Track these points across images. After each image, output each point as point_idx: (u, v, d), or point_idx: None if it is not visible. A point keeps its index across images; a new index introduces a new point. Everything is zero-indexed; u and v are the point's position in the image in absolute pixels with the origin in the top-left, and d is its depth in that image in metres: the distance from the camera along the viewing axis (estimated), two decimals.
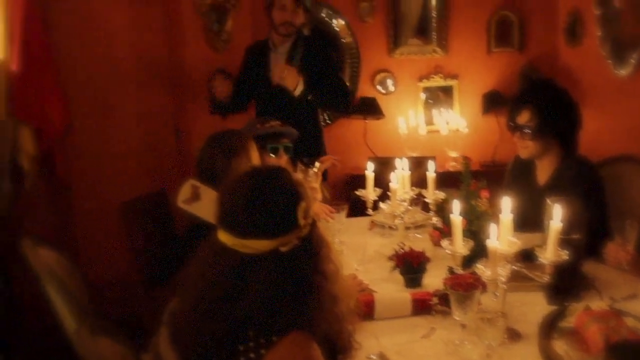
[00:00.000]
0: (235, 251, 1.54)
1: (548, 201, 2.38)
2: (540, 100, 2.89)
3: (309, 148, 3.78)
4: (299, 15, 3.84)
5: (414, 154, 4.76)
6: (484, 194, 2.66)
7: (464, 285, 2.07)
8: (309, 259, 1.59)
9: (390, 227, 3.23)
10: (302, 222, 1.57)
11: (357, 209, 3.31)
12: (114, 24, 4.64)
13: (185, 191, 2.60)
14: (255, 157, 2.76)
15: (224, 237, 1.57)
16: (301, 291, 1.55)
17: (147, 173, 4.75)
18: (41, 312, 2.43)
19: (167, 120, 4.82)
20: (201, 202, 2.56)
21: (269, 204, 1.55)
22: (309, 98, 3.86)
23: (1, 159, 4.08)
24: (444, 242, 2.32)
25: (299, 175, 3.08)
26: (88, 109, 4.62)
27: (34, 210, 4.41)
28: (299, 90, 3.77)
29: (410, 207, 3.11)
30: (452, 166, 4.89)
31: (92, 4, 4.57)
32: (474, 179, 2.71)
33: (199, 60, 4.71)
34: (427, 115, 5.15)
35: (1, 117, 4.06)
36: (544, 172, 3.02)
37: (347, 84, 4.40)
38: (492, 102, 5.03)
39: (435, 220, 3.10)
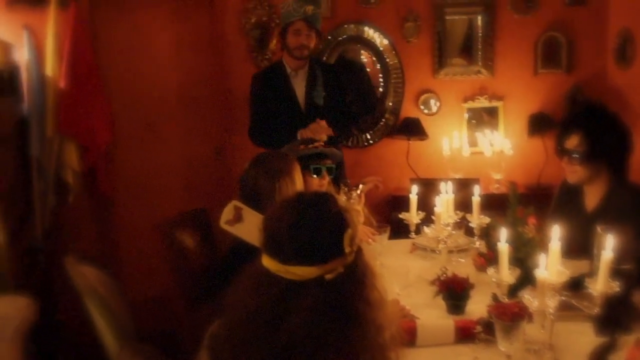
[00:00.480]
0: (279, 277, 1.52)
1: (598, 229, 2.31)
2: (589, 125, 2.83)
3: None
4: (312, 39, 3.93)
5: (457, 176, 4.69)
6: (532, 220, 2.60)
7: (510, 315, 2.02)
8: (354, 287, 1.55)
9: (432, 250, 3.19)
10: (347, 249, 1.53)
11: (398, 230, 3.27)
12: (159, 43, 4.72)
13: (228, 212, 2.59)
14: (299, 180, 2.75)
15: (268, 262, 1.55)
16: (345, 320, 1.51)
17: (187, 190, 4.80)
18: (84, 329, 2.44)
19: (209, 138, 4.85)
20: (244, 224, 2.55)
21: (315, 230, 1.53)
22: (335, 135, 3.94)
23: (47, 174, 4.16)
24: (490, 270, 2.28)
25: (342, 199, 3.09)
26: (132, 127, 4.70)
27: (77, 225, 4.48)
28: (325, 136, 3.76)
29: (453, 231, 3.06)
30: (495, 189, 4.81)
31: (138, 23, 4.66)
32: (521, 205, 2.64)
33: (242, 78, 4.70)
34: (471, 136, 5.08)
35: (49, 134, 4.15)
36: (592, 197, 2.95)
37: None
38: (539, 124, 4.94)
39: (478, 244, 3.06)
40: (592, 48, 5.07)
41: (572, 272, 2.28)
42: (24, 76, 4.17)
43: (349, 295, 1.53)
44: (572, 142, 2.84)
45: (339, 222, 1.55)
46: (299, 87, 4.02)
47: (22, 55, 4.19)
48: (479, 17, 5.03)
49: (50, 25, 4.18)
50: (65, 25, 4.24)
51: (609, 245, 2.08)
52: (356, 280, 1.56)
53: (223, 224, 2.59)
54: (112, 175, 4.63)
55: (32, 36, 4.22)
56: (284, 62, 4.05)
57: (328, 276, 1.50)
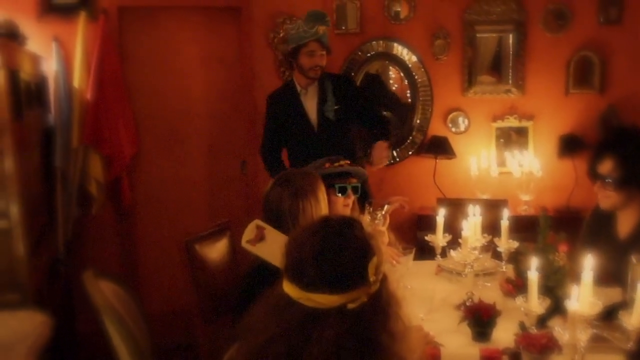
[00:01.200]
0: (300, 304, 1.47)
1: (633, 259, 2.24)
2: (624, 150, 2.76)
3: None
4: (324, 58, 3.96)
5: (485, 196, 4.61)
6: (563, 247, 2.52)
7: (538, 346, 1.97)
8: (378, 317, 1.50)
9: (457, 273, 3.12)
10: (372, 278, 1.48)
11: (424, 251, 3.21)
12: (186, 56, 4.73)
13: (250, 231, 2.53)
14: (323, 199, 2.69)
15: (289, 288, 1.50)
16: (367, 352, 1.46)
17: (211, 205, 4.79)
18: (102, 344, 2.42)
19: (235, 152, 4.83)
20: (265, 244, 2.49)
21: (338, 257, 1.48)
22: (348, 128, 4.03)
23: (70, 184, 4.16)
24: (519, 299, 2.21)
25: (367, 219, 3.03)
26: (157, 139, 4.70)
27: (100, 237, 4.48)
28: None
29: (480, 255, 2.98)
30: (524, 210, 4.72)
31: (166, 36, 4.68)
32: (551, 231, 2.57)
33: (270, 92, 4.69)
34: (499, 156, 4.99)
35: (74, 144, 4.16)
36: (625, 224, 2.87)
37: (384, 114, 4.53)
38: (569, 145, 4.84)
39: (505, 268, 2.98)
40: (627, 68, 4.96)
41: (604, 301, 2.20)
42: (51, 87, 4.20)
43: (372, 326, 1.48)
44: (606, 166, 2.77)
45: (364, 249, 1.51)
46: (310, 104, 4.02)
47: (50, 67, 4.22)
48: (510, 35, 4.95)
49: (79, 37, 4.21)
50: (93, 37, 4.27)
51: None
52: (380, 311, 1.51)
53: (244, 243, 2.54)
54: (136, 187, 4.63)
55: (61, 48, 4.26)
56: (295, 81, 4.07)
57: (351, 305, 1.46)
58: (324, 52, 3.93)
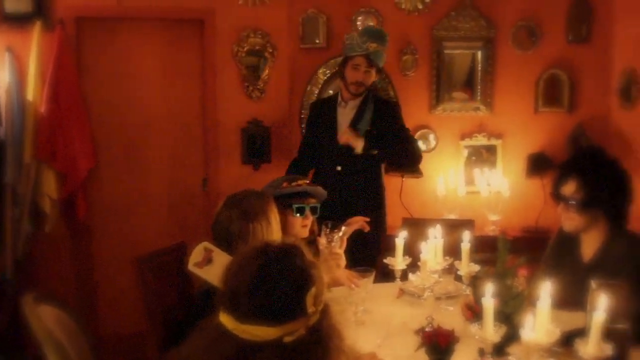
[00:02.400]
0: (235, 336, 1.39)
1: (592, 284, 2.16)
2: (587, 171, 2.71)
3: (368, 202, 3.97)
4: (371, 76, 3.93)
5: (452, 216, 4.53)
6: (522, 272, 2.42)
7: None
8: (317, 351, 1.43)
9: (419, 296, 3.03)
10: (311, 309, 1.42)
11: (387, 273, 3.11)
12: (148, 69, 4.63)
13: (197, 253, 2.45)
14: (275, 222, 2.61)
15: (224, 318, 1.42)
16: None
17: (172, 222, 4.68)
18: None
19: (197, 169, 4.71)
20: (213, 267, 2.40)
21: (275, 287, 1.41)
22: (374, 153, 3.94)
23: (22, 201, 4.03)
24: (474, 327, 2.12)
25: (323, 241, 2.93)
26: (116, 154, 4.60)
27: (53, 256, 4.34)
28: (360, 147, 3.86)
29: (441, 279, 2.89)
30: (491, 230, 4.64)
31: (126, 48, 4.58)
32: (511, 255, 2.47)
33: (232, 107, 4.61)
34: (468, 175, 4.92)
35: (26, 160, 4.03)
36: (589, 247, 2.81)
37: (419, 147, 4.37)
38: (538, 164, 4.80)
39: (468, 292, 2.89)
40: (596, 87, 4.95)
41: (566, 326, 2.17)
42: (2, 100, 4.05)
43: None
44: (569, 188, 2.72)
45: (302, 279, 1.44)
46: (345, 118, 3.99)
47: (3, 78, 4.08)
48: (479, 52, 4.91)
49: (34, 48, 4.08)
50: (49, 48, 4.14)
51: (601, 305, 1.92)
52: (320, 344, 1.44)
53: (191, 266, 2.45)
54: (93, 203, 4.49)
55: (15, 59, 4.14)
56: (340, 92, 4.08)
57: (287, 338, 1.39)
58: (371, 70, 3.90)
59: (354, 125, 3.94)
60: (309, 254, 1.53)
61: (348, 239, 3.22)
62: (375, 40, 3.84)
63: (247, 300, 1.40)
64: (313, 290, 1.42)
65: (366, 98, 4.00)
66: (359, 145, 3.85)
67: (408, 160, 4.16)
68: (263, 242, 1.57)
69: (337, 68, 4.13)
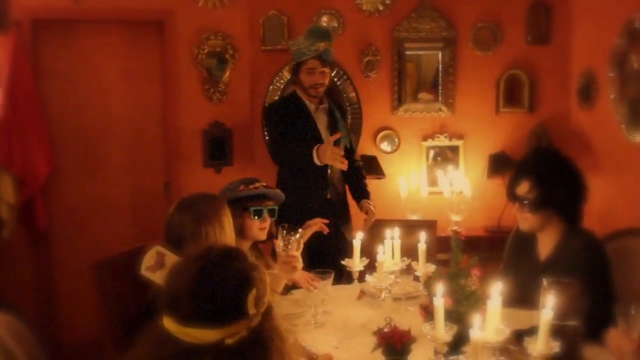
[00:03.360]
0: (177, 340, 1.40)
1: (544, 282, 2.18)
2: (540, 171, 2.73)
3: (344, 197, 4.05)
4: (327, 75, 3.87)
5: (415, 217, 4.53)
6: (475, 272, 2.44)
7: None
8: (258, 353, 1.44)
9: (378, 297, 3.02)
10: (252, 311, 1.42)
11: (349, 275, 3.12)
12: (107, 72, 4.58)
13: (149, 258, 2.43)
14: (228, 225, 2.60)
15: (167, 322, 1.43)
16: None
17: (133, 227, 4.62)
18: None
19: (158, 172, 4.67)
20: (166, 271, 2.36)
21: (215, 289, 1.41)
22: (356, 161, 4.03)
23: None
24: (426, 326, 2.11)
25: (279, 244, 2.92)
26: (75, 159, 4.54)
27: (11, 262, 4.26)
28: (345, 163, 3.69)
29: (399, 280, 2.90)
30: (454, 231, 4.64)
31: (84, 50, 4.52)
32: (465, 255, 2.49)
33: (193, 110, 4.58)
34: (431, 176, 4.94)
35: None
36: (545, 246, 2.83)
37: None
38: (499, 164, 4.83)
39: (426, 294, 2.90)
40: (555, 87, 4.99)
41: (522, 325, 2.18)
42: None
43: None
44: (523, 188, 2.74)
45: (243, 281, 1.44)
46: (322, 125, 3.91)
47: None
48: (440, 53, 4.94)
49: None
50: (4, 52, 4.07)
51: (549, 302, 1.94)
52: (261, 346, 1.45)
53: (144, 270, 2.43)
54: (52, 209, 4.42)
55: None
56: (302, 98, 3.90)
57: (229, 340, 1.39)
58: (326, 69, 3.83)
59: (334, 129, 3.87)
60: (251, 258, 1.53)
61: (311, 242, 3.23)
62: (323, 39, 3.78)
63: (188, 302, 1.40)
64: (254, 292, 1.43)
65: (329, 100, 3.97)
66: (344, 162, 3.64)
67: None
68: (205, 245, 1.56)
69: (290, 76, 4.07)
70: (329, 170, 3.85)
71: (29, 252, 4.38)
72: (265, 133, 4.61)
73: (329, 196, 3.89)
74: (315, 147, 3.61)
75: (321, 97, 3.93)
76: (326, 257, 3.31)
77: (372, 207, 3.94)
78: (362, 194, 4.06)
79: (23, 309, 3.11)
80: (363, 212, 3.96)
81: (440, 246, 3.81)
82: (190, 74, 4.60)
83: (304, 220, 3.30)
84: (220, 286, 1.41)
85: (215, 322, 1.38)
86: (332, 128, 3.89)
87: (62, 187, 4.48)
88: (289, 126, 3.84)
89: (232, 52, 4.60)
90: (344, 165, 3.62)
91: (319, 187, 3.86)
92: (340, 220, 3.92)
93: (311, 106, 3.90)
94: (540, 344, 1.94)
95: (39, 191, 4.22)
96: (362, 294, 3.18)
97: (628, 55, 4.04)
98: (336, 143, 3.66)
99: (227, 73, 4.62)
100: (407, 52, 4.92)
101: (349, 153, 3.91)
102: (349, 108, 4.87)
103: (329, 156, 3.57)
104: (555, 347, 1.95)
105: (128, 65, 4.58)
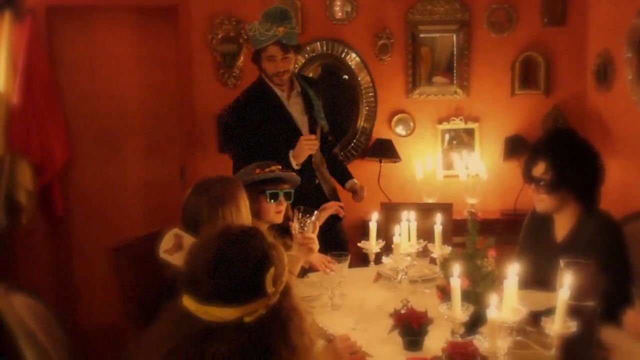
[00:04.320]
0: (197, 318, 1.41)
1: (561, 263, 2.17)
2: (556, 152, 2.71)
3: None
4: (290, 61, 3.56)
5: (430, 200, 4.51)
6: (491, 252, 2.44)
7: (463, 355, 1.89)
8: (277, 331, 1.44)
9: (395, 279, 3.03)
10: (270, 289, 1.43)
11: (365, 258, 3.12)
12: (121, 58, 4.61)
13: (167, 240, 2.45)
14: (244, 207, 2.60)
15: (187, 301, 1.44)
16: None
17: (149, 212, 4.66)
18: None
19: (173, 157, 4.70)
20: (184, 253, 2.38)
21: (234, 268, 1.42)
22: (329, 139, 3.85)
23: None
24: (442, 307, 2.12)
25: (295, 226, 2.93)
26: (92, 145, 4.58)
27: (30, 248, 4.31)
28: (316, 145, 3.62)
29: (415, 262, 2.90)
30: (470, 212, 4.63)
31: (99, 37, 4.55)
32: (481, 236, 2.49)
33: (208, 96, 4.59)
34: (447, 159, 4.93)
35: (0, 152, 3.97)
36: (561, 228, 2.82)
37: None
38: (515, 147, 4.80)
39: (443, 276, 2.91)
40: (572, 69, 4.95)
41: (540, 306, 2.18)
42: None
43: (271, 340, 1.43)
44: (539, 169, 2.73)
45: (261, 260, 1.45)
46: (296, 111, 3.68)
47: None
48: (454, 36, 4.91)
49: (4, 38, 4.01)
50: (20, 39, 4.09)
51: (566, 282, 1.94)
52: (280, 324, 1.45)
53: (162, 252, 2.45)
54: (69, 194, 4.46)
55: None
56: (270, 85, 3.62)
57: (247, 319, 1.40)
58: (288, 55, 3.50)
59: (312, 122, 3.72)
60: (269, 237, 1.54)
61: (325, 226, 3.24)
62: (281, 23, 3.44)
63: (207, 281, 1.41)
64: (272, 270, 1.44)
65: (301, 84, 3.72)
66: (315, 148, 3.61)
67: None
68: (224, 225, 1.58)
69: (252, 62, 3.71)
70: (313, 158, 3.73)
71: (48, 238, 4.43)
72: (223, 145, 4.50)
73: (317, 182, 3.83)
74: (290, 154, 3.49)
75: (291, 81, 3.67)
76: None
77: (357, 184, 3.79)
78: (343, 175, 3.89)
79: (43, 293, 3.15)
80: (351, 192, 3.81)
81: (456, 229, 3.81)
82: (204, 59, 4.61)
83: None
84: (239, 265, 1.43)
85: (234, 300, 1.40)
86: (309, 111, 3.70)
87: (79, 173, 4.52)
88: (260, 125, 3.55)
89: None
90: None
91: (306, 174, 3.61)
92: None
93: (282, 94, 3.64)
94: (557, 323, 1.94)
95: (56, 177, 4.28)
96: (379, 276, 3.19)
97: None
98: (317, 120, 3.68)
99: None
100: (422, 35, 4.89)
101: (324, 133, 3.80)
102: (362, 92, 4.87)
103: (306, 150, 3.50)
104: (572, 327, 1.95)
105: (142, 52, 4.61)
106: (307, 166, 3.68)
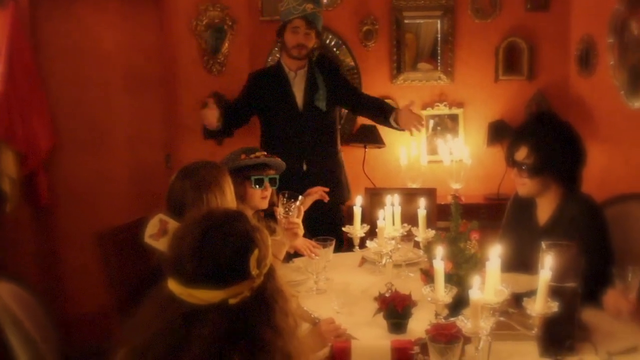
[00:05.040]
0: (182, 301, 1.43)
1: (543, 245, 2.20)
2: (538, 136, 2.73)
3: (334, 173, 4.04)
4: (311, 38, 3.88)
5: (415, 185, 4.54)
6: (474, 235, 2.47)
7: (447, 336, 1.91)
8: (261, 312, 1.46)
9: (379, 263, 3.06)
10: (254, 272, 1.44)
11: (350, 242, 3.15)
12: (105, 45, 4.57)
13: (152, 225, 2.46)
14: (229, 192, 2.62)
15: (172, 284, 1.45)
16: (249, 348, 1.42)
17: (135, 199, 4.64)
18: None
19: (159, 144, 4.69)
20: (169, 238, 2.39)
21: (218, 250, 1.44)
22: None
23: None
24: (426, 289, 2.15)
25: (280, 211, 2.95)
26: (76, 132, 4.55)
27: (15, 236, 4.29)
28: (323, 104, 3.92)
29: (399, 246, 2.93)
30: (453, 195, 4.66)
31: (82, 23, 4.51)
32: (464, 219, 2.52)
33: (193, 83, 4.56)
34: (431, 144, 4.96)
35: None
36: (544, 211, 2.85)
37: None
38: (498, 132, 4.83)
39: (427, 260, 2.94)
40: (554, 55, 4.98)
41: (521, 288, 2.21)
42: None
43: (255, 322, 1.45)
44: (521, 153, 2.75)
45: (245, 242, 1.46)
46: (298, 89, 3.95)
47: None
48: (439, 22, 4.93)
49: None
50: (2, 26, 4.06)
51: (547, 263, 1.97)
52: (264, 306, 1.47)
53: (147, 237, 2.46)
54: (54, 183, 4.44)
55: None
56: (283, 63, 3.99)
57: (232, 301, 1.42)
58: (311, 32, 3.84)
59: (310, 101, 3.93)
60: (253, 220, 1.56)
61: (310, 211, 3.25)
62: (311, 2, 3.81)
63: (192, 264, 1.43)
64: (256, 253, 1.45)
65: (312, 68, 3.99)
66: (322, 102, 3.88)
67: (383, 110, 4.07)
68: (207, 209, 1.59)
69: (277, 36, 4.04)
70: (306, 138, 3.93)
71: (32, 226, 4.40)
72: None
73: (305, 168, 3.92)
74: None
75: (303, 61, 3.94)
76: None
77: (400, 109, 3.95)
78: (386, 110, 4.01)
79: (28, 282, 3.15)
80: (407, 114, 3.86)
81: (440, 214, 3.85)
82: (189, 45, 4.58)
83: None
84: (223, 247, 1.44)
85: (219, 282, 1.41)
86: (310, 93, 3.93)
87: (64, 161, 4.50)
88: (263, 97, 3.94)
89: (230, 23, 4.58)
90: None
91: (294, 158, 3.78)
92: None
93: (290, 73, 3.96)
94: (539, 304, 1.97)
95: (40, 165, 4.24)
96: (363, 260, 3.23)
97: (628, 21, 4.03)
98: (315, 102, 3.91)
99: (226, 44, 4.59)
100: (406, 21, 4.91)
101: (353, 95, 4.10)
102: (349, 78, 4.87)
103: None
104: (554, 307, 1.98)
105: (127, 38, 4.57)
106: (296, 150, 3.86)
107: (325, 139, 4.01)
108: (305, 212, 3.20)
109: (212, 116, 3.79)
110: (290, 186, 3.33)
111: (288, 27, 3.84)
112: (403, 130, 3.97)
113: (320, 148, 3.98)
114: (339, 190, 3.99)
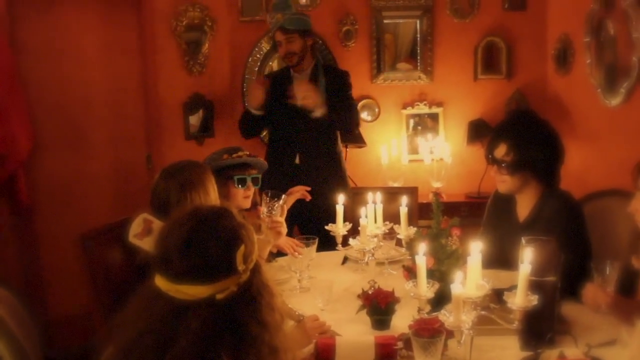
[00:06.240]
0: (169, 297, 1.45)
1: (523, 240, 2.24)
2: (517, 134, 2.78)
3: (328, 170, 4.08)
4: (293, 43, 3.95)
5: (396, 184, 4.59)
6: (455, 232, 2.50)
7: (429, 331, 1.94)
8: (248, 307, 1.49)
9: (362, 260, 3.09)
10: (241, 267, 1.47)
11: (334, 241, 3.16)
12: (85, 45, 4.54)
13: (137, 225, 2.48)
14: (212, 191, 2.64)
15: (159, 281, 1.47)
16: (236, 342, 1.45)
17: (116, 200, 4.63)
18: None
19: (139, 145, 4.68)
20: (153, 238, 2.40)
21: (204, 246, 1.46)
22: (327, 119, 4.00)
23: None
24: (408, 284, 2.18)
25: (263, 210, 2.97)
26: (56, 133, 4.51)
27: None
28: (319, 112, 3.90)
29: (382, 243, 2.95)
30: (434, 192, 4.71)
31: (62, 23, 4.47)
32: (445, 216, 2.55)
33: (173, 83, 4.56)
34: (411, 144, 5.00)
35: None
36: (523, 208, 2.89)
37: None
38: (478, 131, 4.87)
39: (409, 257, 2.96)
40: (532, 54, 5.03)
41: (502, 284, 2.24)
42: None
43: (242, 316, 1.47)
44: (500, 151, 2.79)
45: (231, 238, 1.49)
46: (298, 91, 3.99)
47: None
48: (418, 22, 4.96)
49: None
50: None
51: (527, 258, 2.01)
52: (250, 300, 1.50)
53: (132, 237, 2.47)
54: (35, 184, 4.41)
55: None
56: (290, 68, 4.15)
57: (219, 296, 1.44)
58: (292, 36, 3.93)
59: None
60: (239, 216, 1.58)
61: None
62: (278, 11, 3.95)
63: (179, 260, 1.45)
64: (242, 248, 1.47)
65: (316, 68, 4.07)
66: (315, 101, 3.86)
67: (342, 125, 4.16)
68: (193, 206, 1.61)
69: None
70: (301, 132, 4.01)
71: (14, 228, 4.36)
72: None
73: (297, 161, 3.98)
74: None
75: (303, 64, 4.04)
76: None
77: None
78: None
79: (10, 283, 3.13)
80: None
81: (422, 213, 3.88)
82: (169, 46, 4.57)
83: (269, 187, 3.23)
84: (210, 243, 1.46)
85: (206, 278, 1.43)
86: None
87: (44, 162, 4.46)
88: (271, 96, 4.01)
89: (210, 24, 4.59)
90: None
91: (286, 151, 4.01)
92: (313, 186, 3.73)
93: (295, 74, 4.08)
94: (519, 297, 2.00)
95: (21, 167, 4.20)
96: (346, 259, 3.25)
97: (604, 20, 4.08)
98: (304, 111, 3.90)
99: (206, 45, 4.60)
100: (385, 21, 4.94)
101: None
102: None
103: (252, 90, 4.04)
104: (534, 300, 2.01)
105: (106, 39, 4.55)
106: (289, 143, 4.00)
107: (322, 135, 4.06)
108: (303, 209, 3.24)
109: (260, 92, 3.94)
110: (281, 178, 3.42)
111: (276, 42, 4.07)
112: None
113: (316, 143, 4.04)
114: (334, 187, 3.98)
